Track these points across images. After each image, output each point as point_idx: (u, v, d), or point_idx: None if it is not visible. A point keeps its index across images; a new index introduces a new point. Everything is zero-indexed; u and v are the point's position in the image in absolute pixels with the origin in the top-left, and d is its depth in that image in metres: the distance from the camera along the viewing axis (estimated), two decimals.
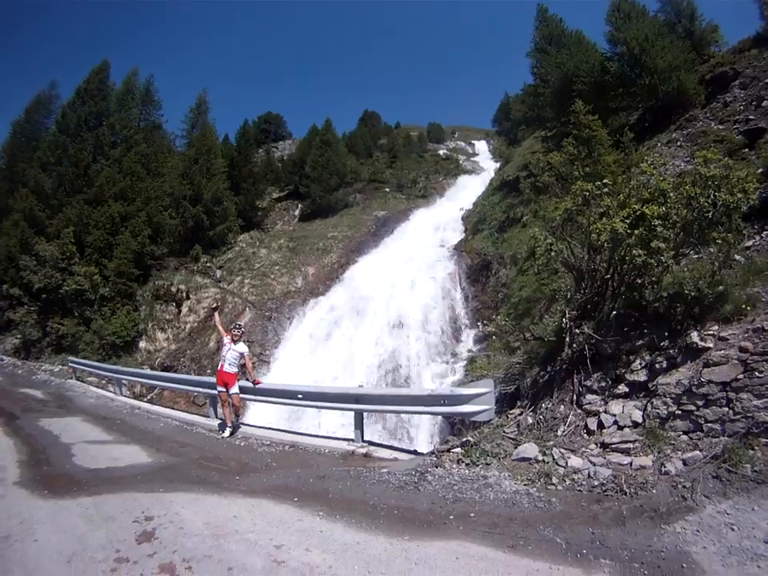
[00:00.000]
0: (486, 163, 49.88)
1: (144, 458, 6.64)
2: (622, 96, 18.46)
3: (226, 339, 8.22)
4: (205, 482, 5.28)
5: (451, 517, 3.98)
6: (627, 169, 12.09)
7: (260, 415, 14.59)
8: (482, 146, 62.12)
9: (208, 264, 27.29)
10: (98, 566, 3.30)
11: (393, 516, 3.93)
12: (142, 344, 22.74)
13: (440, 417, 11.14)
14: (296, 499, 4.41)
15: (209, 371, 18.76)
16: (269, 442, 7.18)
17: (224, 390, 8.12)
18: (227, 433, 8.06)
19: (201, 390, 11.02)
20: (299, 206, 36.23)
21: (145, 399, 16.01)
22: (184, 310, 23.84)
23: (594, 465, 4.62)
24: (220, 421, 8.80)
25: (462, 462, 5.25)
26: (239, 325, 8.68)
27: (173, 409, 12.69)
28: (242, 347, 8.18)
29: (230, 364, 8.04)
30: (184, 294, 24.27)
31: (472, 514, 4.01)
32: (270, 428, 9.29)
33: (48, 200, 25.68)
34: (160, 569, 3.14)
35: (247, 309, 23.03)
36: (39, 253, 23.01)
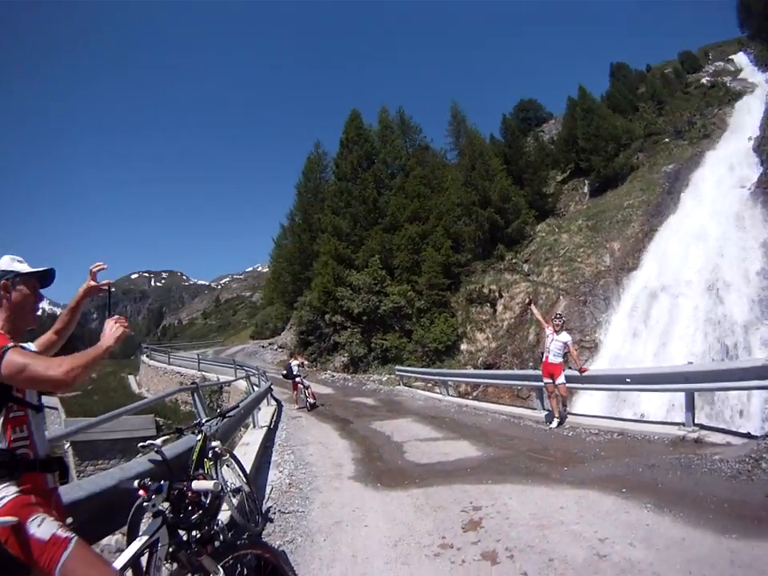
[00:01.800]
0: (754, 77, 50.39)
1: (473, 452, 7.96)
2: None
3: (548, 330, 9.61)
4: (533, 474, 6.16)
5: None
6: None
7: (586, 403, 16.60)
8: (740, 60, 60.20)
9: (513, 260, 32.32)
10: (422, 550, 4.21)
11: (722, 510, 4.28)
12: (463, 346, 28.41)
13: None
14: (623, 490, 5.05)
15: (531, 364, 21.87)
16: (596, 431, 8.26)
17: (550, 381, 9.32)
18: (555, 424, 9.23)
19: (526, 383, 12.83)
20: (585, 182, 40.88)
21: (470, 397, 19.11)
22: (499, 308, 29.08)
23: None
24: (547, 412, 10.08)
25: None
26: (559, 314, 10.14)
27: (498, 404, 14.62)
28: (564, 336, 9.46)
29: (554, 355, 9.35)
30: (496, 294, 29.49)
31: None
32: (597, 416, 10.41)
33: (348, 238, 34.66)
34: (482, 556, 3.90)
35: (561, 297, 26.86)
36: (353, 283, 31.33)
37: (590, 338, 23.94)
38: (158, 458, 3.21)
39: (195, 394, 6.84)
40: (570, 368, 9.95)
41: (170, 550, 2.43)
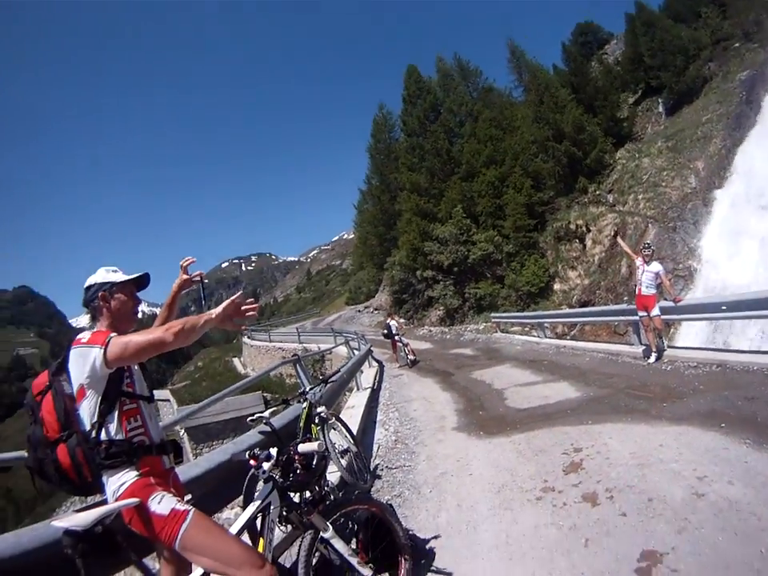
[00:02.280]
0: None
1: (572, 393, 7.92)
2: None
3: (638, 261, 9.29)
4: (632, 411, 6.11)
5: None
6: None
7: (686, 335, 16.32)
8: None
9: (597, 192, 31.08)
10: (525, 494, 4.27)
11: None
12: (556, 286, 28.01)
13: None
14: (723, 425, 4.94)
15: (625, 298, 21.05)
16: (695, 364, 8.05)
17: (645, 314, 9.10)
18: (653, 358, 8.98)
19: (621, 318, 12.55)
20: (659, 101, 38.56)
21: (567, 338, 19.02)
22: (588, 243, 28.15)
23: None
24: (644, 347, 9.79)
25: None
26: (648, 244, 9.67)
27: (596, 342, 14.49)
28: (655, 266, 9.13)
29: (647, 286, 9.06)
30: (584, 229, 28.56)
31: None
32: (695, 348, 10.16)
33: (428, 192, 34.36)
34: (583, 498, 3.94)
35: (649, 225, 25.72)
36: (439, 236, 31.20)
37: (683, 265, 23.03)
38: (267, 429, 3.43)
39: (297, 365, 7.22)
40: (664, 299, 9.65)
41: (282, 512, 2.62)
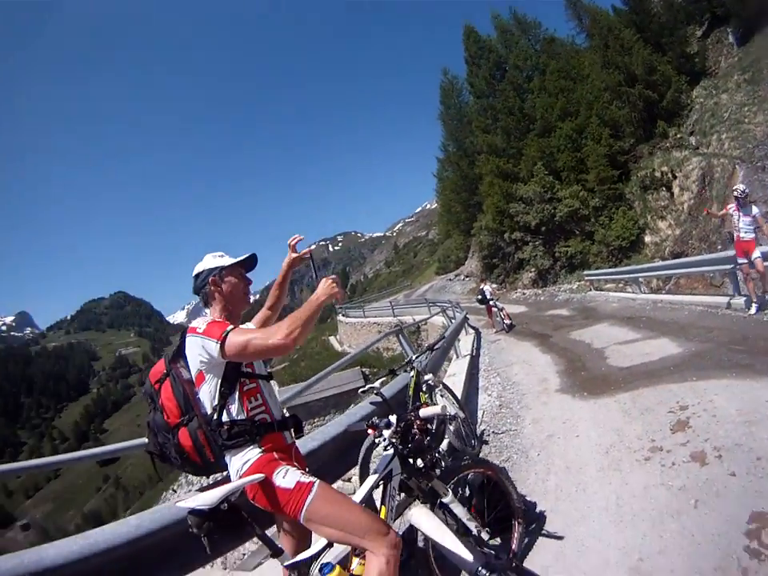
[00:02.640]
0: None
1: (673, 349, 7.75)
2: None
3: (732, 207, 9.17)
4: (736, 366, 5.93)
5: None
6: None
7: None
8: None
9: (678, 135, 29.42)
10: (633, 455, 4.26)
11: None
12: (647, 238, 26.75)
13: None
14: None
15: (719, 247, 20.40)
16: (740, 309, 7.96)
17: (745, 260, 8.83)
18: (753, 309, 8.71)
19: (716, 267, 12.05)
20: (728, 31, 33.91)
21: (663, 292, 18.38)
22: (676, 191, 26.63)
23: None
24: (745, 297, 9.49)
25: None
26: (739, 188, 9.33)
27: (693, 295, 14.06)
28: (752, 209, 8.90)
29: (745, 231, 8.82)
30: (669, 176, 26.91)
31: None
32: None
33: (506, 152, 33.67)
34: (691, 457, 3.88)
35: (737, 167, 23.78)
36: (523, 195, 30.63)
37: None
38: (378, 399, 3.48)
39: (400, 336, 7.51)
40: (760, 244, 9.18)
41: (403, 478, 2.63)
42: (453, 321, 14.96)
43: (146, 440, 2.56)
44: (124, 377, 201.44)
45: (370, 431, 2.72)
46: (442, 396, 5.03)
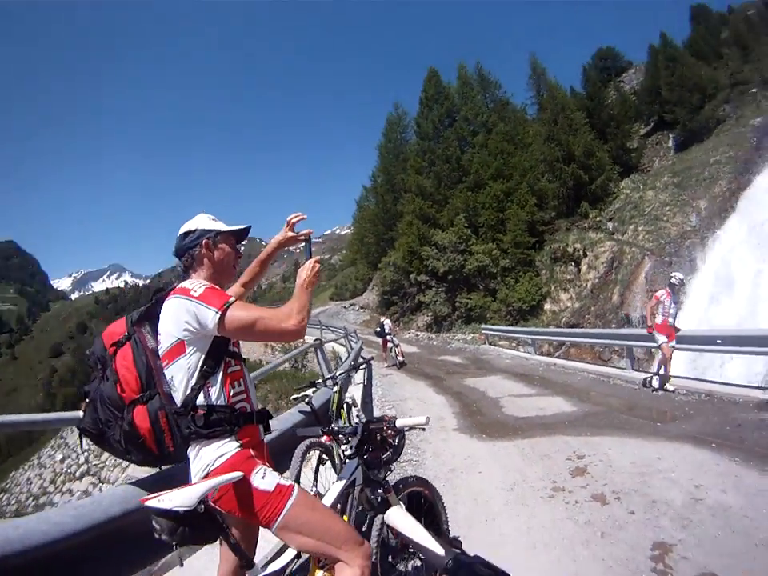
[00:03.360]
0: None
1: (568, 407, 8.36)
2: None
3: (662, 294, 9.37)
4: (628, 428, 6.59)
5: None
6: None
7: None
8: None
9: (598, 218, 31.99)
10: (537, 492, 4.63)
11: None
12: (547, 305, 28.61)
13: None
14: (713, 445, 5.47)
15: (613, 326, 22.46)
16: (684, 392, 8.60)
17: (665, 340, 9.19)
18: (656, 383, 9.22)
19: (620, 342, 13.27)
20: (670, 136, 39.72)
21: (555, 357, 19.26)
22: (583, 268, 28.87)
23: None
24: (648, 374, 10.15)
25: None
26: (677, 276, 9.52)
27: (585, 363, 14.92)
28: (680, 297, 9.50)
29: (674, 317, 9.24)
30: (581, 253, 29.25)
31: None
32: (683, 377, 10.48)
33: (432, 197, 34.80)
34: (592, 497, 4.34)
35: (646, 257, 26.45)
36: (438, 242, 31.53)
37: None
38: (308, 408, 3.49)
39: (318, 351, 7.47)
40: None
41: (362, 488, 2.52)
42: (351, 348, 15.17)
43: (80, 414, 2.25)
44: None
45: (324, 438, 2.81)
46: (357, 416, 5.16)
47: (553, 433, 6.75)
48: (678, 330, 9.44)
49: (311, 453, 3.64)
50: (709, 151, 32.97)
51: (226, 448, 1.91)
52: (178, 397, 1.93)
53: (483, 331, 23.08)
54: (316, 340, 8.48)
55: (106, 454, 22.22)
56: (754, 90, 38.15)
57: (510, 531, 3.95)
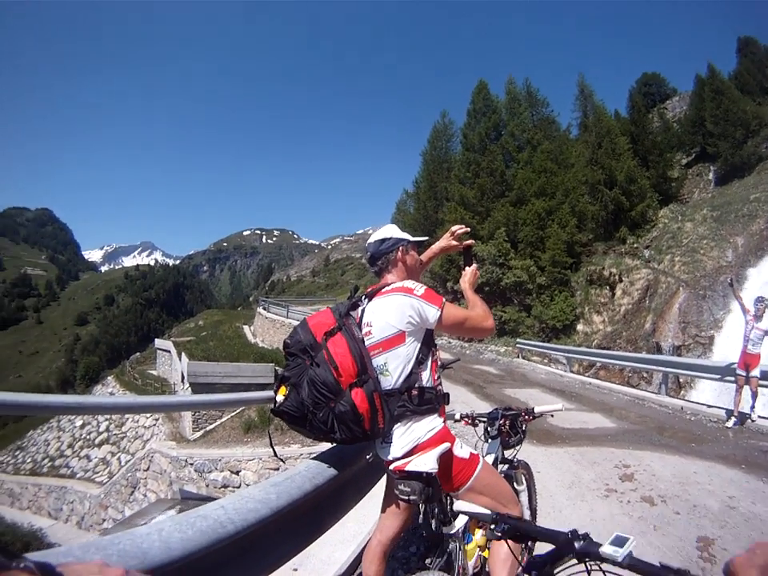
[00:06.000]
0: None
1: (608, 423, 9.08)
2: None
3: (748, 316, 8.84)
4: (665, 446, 7.30)
5: None
6: None
7: (699, 390, 17.63)
8: None
9: (635, 245, 32.24)
10: (593, 492, 5.37)
11: None
12: (580, 326, 28.93)
13: None
14: (743, 466, 6.18)
15: (644, 352, 22.27)
16: (715, 419, 9.23)
17: (743, 373, 8.74)
18: (731, 422, 8.72)
19: (660, 369, 12.66)
20: (711, 168, 39.83)
21: (584, 376, 19.04)
22: (618, 292, 29.25)
23: None
24: (728, 410, 9.43)
25: None
26: (762, 298, 8.90)
27: (619, 385, 15.42)
28: (765, 323, 8.58)
29: (753, 344, 8.67)
30: (616, 277, 29.63)
31: None
32: (715, 406, 10.74)
33: (474, 208, 35.38)
34: (642, 499, 5.08)
35: (681, 288, 26.37)
36: (477, 253, 30.43)
37: (705, 333, 23.63)
38: None
39: None
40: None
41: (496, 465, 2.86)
42: None
43: (271, 394, 2.41)
44: (22, 297, 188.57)
45: (462, 423, 3.23)
46: None
47: (598, 444, 7.48)
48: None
49: None
50: (749, 188, 33.06)
51: (435, 423, 2.23)
52: (390, 380, 2.21)
53: (518, 345, 23.44)
54: None
55: (128, 426, 23.85)
56: None
57: (576, 521, 4.68)
